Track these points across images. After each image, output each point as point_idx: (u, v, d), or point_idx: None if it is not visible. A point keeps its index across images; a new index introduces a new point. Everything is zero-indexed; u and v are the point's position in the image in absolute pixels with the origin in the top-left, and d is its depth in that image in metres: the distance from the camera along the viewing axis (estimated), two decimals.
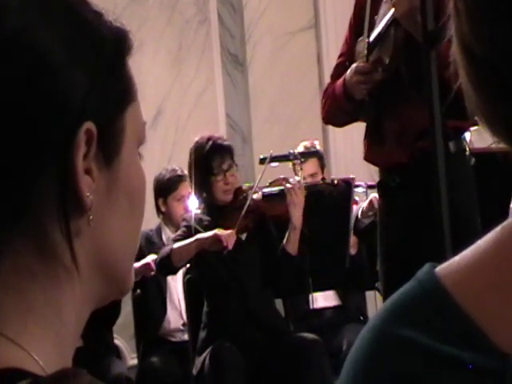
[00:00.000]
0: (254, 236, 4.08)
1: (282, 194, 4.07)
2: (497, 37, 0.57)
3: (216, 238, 3.89)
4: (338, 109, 3.19)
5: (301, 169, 4.70)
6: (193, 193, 4.55)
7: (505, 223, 0.61)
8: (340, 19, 6.30)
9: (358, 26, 3.13)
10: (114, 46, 0.79)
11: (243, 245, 4.08)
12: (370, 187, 5.21)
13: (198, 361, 3.98)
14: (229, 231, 3.90)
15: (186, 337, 4.55)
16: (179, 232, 4.14)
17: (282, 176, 4.23)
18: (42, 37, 0.73)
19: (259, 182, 4.12)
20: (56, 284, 0.75)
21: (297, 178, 4.10)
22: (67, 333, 0.76)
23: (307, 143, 5.07)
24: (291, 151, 4.60)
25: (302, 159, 4.68)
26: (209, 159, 4.05)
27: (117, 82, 0.79)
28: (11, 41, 0.72)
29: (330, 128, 6.47)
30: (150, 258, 4.30)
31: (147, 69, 5.76)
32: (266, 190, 4.15)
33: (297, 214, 4.00)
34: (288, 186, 4.01)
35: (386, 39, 2.99)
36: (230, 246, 3.88)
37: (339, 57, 3.29)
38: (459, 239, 2.52)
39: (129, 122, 0.80)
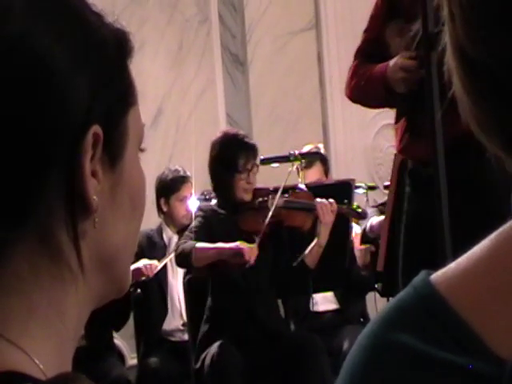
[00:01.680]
0: (267, 240, 4.08)
1: (305, 208, 4.11)
2: (493, 40, 0.57)
3: (239, 252, 3.88)
4: (372, 94, 3.06)
5: (301, 169, 4.71)
6: (193, 193, 4.56)
7: (500, 229, 0.61)
8: (340, 20, 6.30)
9: (394, 4, 2.96)
10: (115, 48, 0.79)
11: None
12: (369, 188, 5.22)
13: (198, 359, 3.98)
14: (251, 246, 3.90)
15: (185, 336, 4.55)
16: (196, 223, 4.11)
17: (302, 186, 4.26)
18: (44, 41, 0.73)
19: (281, 190, 4.12)
20: (60, 285, 0.75)
21: (325, 201, 4.09)
22: (68, 334, 0.76)
23: (312, 147, 5.07)
24: (291, 152, 4.61)
25: (303, 160, 4.69)
26: (235, 156, 4.05)
27: (120, 85, 0.79)
28: (14, 45, 0.72)
29: (331, 128, 6.49)
30: (142, 263, 4.30)
31: (148, 69, 5.77)
32: (289, 198, 4.16)
33: (325, 233, 4.06)
34: (321, 205, 4.05)
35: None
36: (252, 261, 3.88)
37: (365, 31, 3.12)
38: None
39: (131, 124, 0.80)
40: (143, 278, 4.32)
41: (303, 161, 4.66)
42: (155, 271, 4.35)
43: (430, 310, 0.58)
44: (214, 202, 4.36)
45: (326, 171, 5.09)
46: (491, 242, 0.60)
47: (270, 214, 4.01)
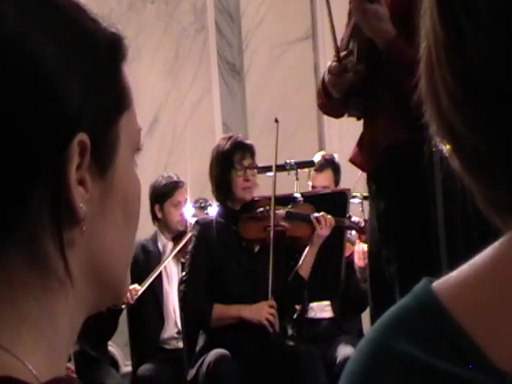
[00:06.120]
0: (267, 250, 4.07)
1: (306, 220, 4.13)
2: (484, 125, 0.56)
3: (261, 324, 3.95)
4: (324, 102, 3.12)
5: (297, 179, 4.70)
6: (189, 201, 4.55)
7: (503, 238, 0.59)
8: (337, 30, 6.30)
9: None
10: (108, 52, 0.78)
11: (256, 258, 4.09)
12: (365, 198, 5.21)
13: (193, 368, 3.97)
14: (272, 313, 3.96)
15: (180, 344, 4.54)
16: (191, 244, 4.10)
17: (297, 195, 4.28)
18: (37, 45, 0.72)
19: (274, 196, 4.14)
20: (49, 295, 0.75)
21: (327, 216, 4.14)
22: (60, 341, 0.76)
23: (324, 153, 5.08)
24: (287, 161, 4.61)
25: (299, 169, 4.69)
26: (230, 154, 4.07)
27: (111, 91, 0.78)
28: (5, 48, 0.71)
29: (327, 138, 6.49)
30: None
31: (144, 77, 5.77)
32: (290, 210, 4.18)
33: (317, 244, 4.09)
34: (320, 217, 4.10)
35: (355, 40, 2.99)
36: (276, 330, 3.97)
37: None
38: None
39: (123, 129, 0.79)
40: (123, 306, 4.30)
41: (298, 169, 4.67)
42: (136, 297, 4.33)
43: (431, 320, 0.58)
44: (208, 210, 4.34)
45: (336, 181, 5.06)
46: (494, 251, 0.59)
47: (272, 221, 4.02)
